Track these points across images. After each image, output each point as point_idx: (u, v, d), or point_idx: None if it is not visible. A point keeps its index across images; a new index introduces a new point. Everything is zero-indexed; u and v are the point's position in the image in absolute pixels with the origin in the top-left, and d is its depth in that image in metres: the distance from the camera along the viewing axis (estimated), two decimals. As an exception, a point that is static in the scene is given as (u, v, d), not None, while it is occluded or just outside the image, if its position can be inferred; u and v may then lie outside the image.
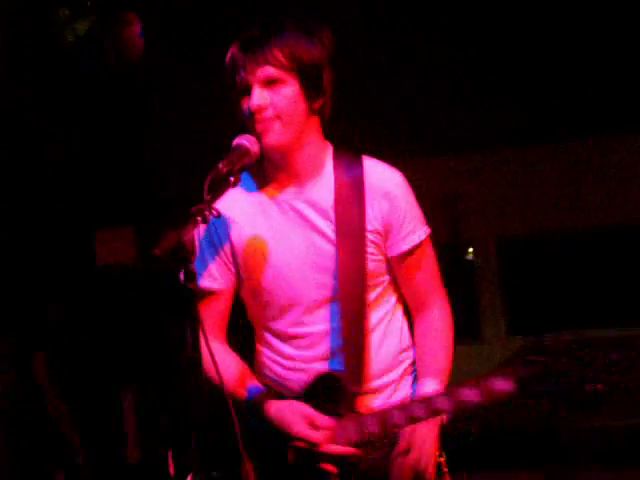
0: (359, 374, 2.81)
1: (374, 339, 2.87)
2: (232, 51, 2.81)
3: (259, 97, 2.74)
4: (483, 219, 6.90)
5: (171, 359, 5.11)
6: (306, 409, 2.77)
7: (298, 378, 2.86)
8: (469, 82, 5.97)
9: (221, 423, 2.64)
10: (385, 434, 2.73)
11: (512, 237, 7.01)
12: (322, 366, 2.84)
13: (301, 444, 2.76)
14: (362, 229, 2.82)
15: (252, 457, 2.75)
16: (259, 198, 2.89)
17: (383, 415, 2.72)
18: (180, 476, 2.70)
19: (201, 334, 2.40)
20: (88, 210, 5.52)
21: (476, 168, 6.66)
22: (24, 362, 5.16)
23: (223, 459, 2.78)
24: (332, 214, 2.83)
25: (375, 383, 2.86)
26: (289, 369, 2.89)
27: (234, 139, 2.76)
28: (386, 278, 2.90)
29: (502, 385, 2.56)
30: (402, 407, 2.71)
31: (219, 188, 2.65)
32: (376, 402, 2.85)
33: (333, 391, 2.80)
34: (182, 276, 2.42)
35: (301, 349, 2.87)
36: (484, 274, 7.11)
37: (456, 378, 2.81)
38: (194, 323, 2.40)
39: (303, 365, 2.86)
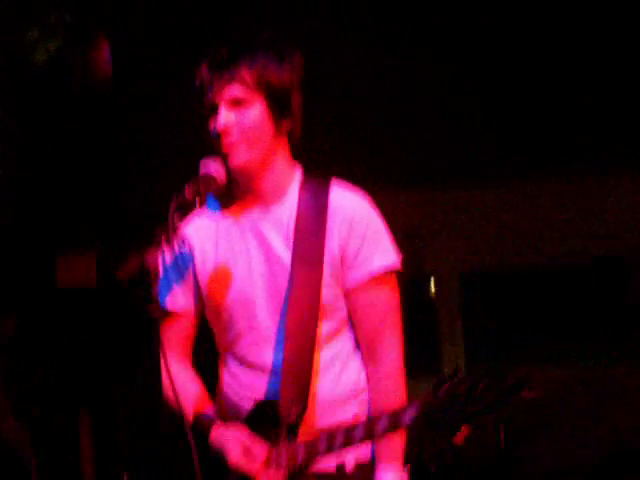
0: (300, 407, 2.76)
1: (328, 376, 2.83)
2: (201, 70, 2.80)
3: (225, 117, 2.72)
4: (446, 254, 6.90)
5: (130, 380, 5.07)
6: (243, 437, 2.74)
7: (249, 406, 2.83)
8: (436, 115, 5.98)
9: (178, 446, 2.62)
10: (310, 463, 2.70)
11: (475, 273, 7.02)
12: (263, 396, 2.81)
13: (237, 472, 2.73)
14: (320, 256, 2.76)
15: None
16: (224, 220, 2.87)
17: (308, 444, 2.70)
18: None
19: (161, 356, 2.38)
20: (51, 232, 5.47)
21: (440, 202, 6.66)
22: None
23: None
24: (289, 238, 2.80)
25: (324, 419, 2.81)
26: (243, 396, 2.86)
27: (201, 161, 2.74)
28: (343, 311, 2.84)
29: (406, 417, 2.54)
30: (327, 437, 2.67)
31: (184, 212, 2.64)
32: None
33: (270, 420, 2.77)
34: (144, 299, 2.41)
35: (256, 377, 2.84)
36: (446, 309, 7.10)
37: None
38: (155, 345, 2.39)
39: (257, 391, 2.83)
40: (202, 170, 2.73)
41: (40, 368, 5.38)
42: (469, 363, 6.94)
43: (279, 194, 2.83)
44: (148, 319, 2.43)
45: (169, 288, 2.88)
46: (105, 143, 5.46)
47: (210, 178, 2.71)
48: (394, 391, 2.81)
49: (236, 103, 2.73)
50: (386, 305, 2.83)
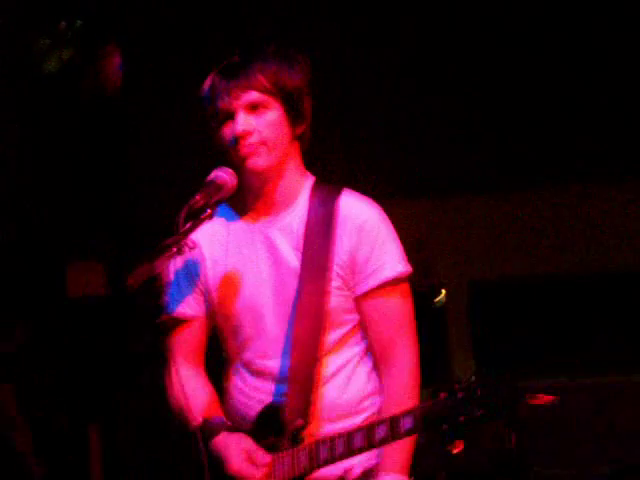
0: (306, 413, 2.76)
1: (336, 383, 2.83)
2: (212, 79, 2.81)
3: (244, 122, 2.74)
4: (455, 263, 6.90)
5: (138, 388, 5.08)
6: (246, 444, 2.74)
7: (252, 412, 2.83)
8: (445, 125, 5.99)
9: (186, 451, 2.63)
10: (313, 468, 2.69)
11: (484, 282, 7.01)
12: (274, 400, 2.82)
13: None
14: (328, 263, 2.77)
15: None
16: (234, 226, 2.88)
17: (310, 450, 2.69)
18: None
19: (168, 363, 2.39)
20: (61, 241, 5.48)
21: (449, 211, 6.66)
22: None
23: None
24: (298, 246, 2.81)
25: (330, 427, 2.80)
26: (254, 401, 2.86)
27: (211, 172, 2.76)
28: (353, 318, 2.84)
29: (405, 422, 2.53)
30: (326, 443, 2.66)
31: (194, 220, 2.65)
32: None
33: (275, 424, 2.77)
34: (154, 306, 2.42)
35: (265, 382, 2.85)
36: (455, 318, 7.10)
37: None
38: (165, 353, 2.40)
39: (265, 397, 2.84)
40: (211, 177, 2.74)
41: (51, 376, 5.38)
42: (478, 371, 6.93)
43: (289, 201, 2.85)
44: (157, 326, 2.44)
45: (180, 294, 2.89)
46: (114, 152, 5.48)
47: (220, 184, 2.73)
48: (405, 399, 2.79)
49: (254, 108, 2.75)
50: (397, 311, 2.83)
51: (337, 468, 2.75)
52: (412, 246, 2.97)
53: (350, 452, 2.63)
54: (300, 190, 2.86)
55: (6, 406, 5.14)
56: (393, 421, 2.55)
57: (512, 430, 2.45)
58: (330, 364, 2.82)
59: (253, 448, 2.73)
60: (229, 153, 2.79)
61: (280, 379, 2.82)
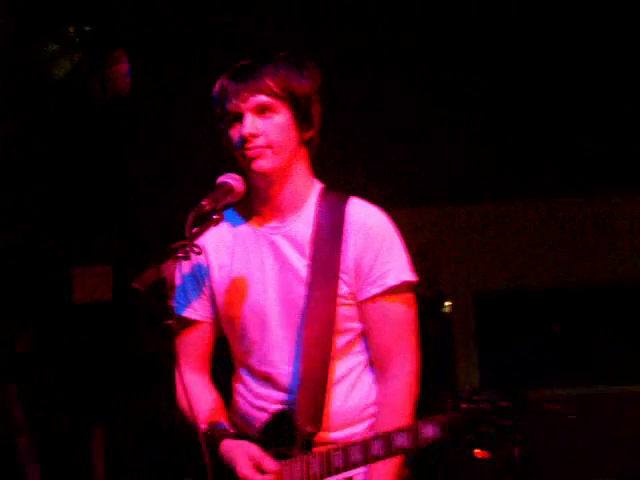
0: (317, 420, 2.75)
1: (340, 390, 2.82)
2: (222, 81, 2.82)
3: (251, 125, 2.75)
4: (460, 272, 6.89)
5: (146, 395, 5.08)
6: (254, 450, 2.73)
7: (262, 417, 2.83)
8: (450, 134, 5.99)
9: (192, 457, 2.62)
10: (324, 476, 2.67)
11: (490, 292, 7.01)
12: (277, 408, 2.80)
13: None
14: (336, 269, 2.77)
15: None
16: (240, 231, 2.89)
17: (323, 457, 2.67)
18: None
19: (175, 366, 2.39)
20: (67, 246, 5.49)
21: (454, 220, 6.66)
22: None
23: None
24: (308, 251, 2.81)
25: (336, 435, 2.80)
26: (256, 408, 2.86)
27: (218, 177, 2.76)
28: (357, 326, 2.83)
29: (429, 431, 2.51)
30: (342, 450, 2.63)
31: (201, 225, 2.66)
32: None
33: (286, 431, 2.76)
34: (160, 310, 2.42)
35: (269, 388, 2.84)
36: (461, 327, 7.09)
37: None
38: (171, 357, 2.40)
39: (268, 405, 2.83)
40: (219, 181, 2.75)
41: (55, 379, 5.39)
42: (483, 381, 6.93)
43: (296, 206, 2.85)
44: (163, 329, 2.44)
45: (186, 298, 2.90)
46: (121, 157, 5.49)
47: (228, 186, 2.74)
48: (398, 409, 2.78)
49: (262, 111, 2.76)
50: (398, 320, 2.81)
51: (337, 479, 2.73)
52: (417, 255, 2.97)
53: (366, 460, 2.61)
54: (307, 196, 2.86)
55: (11, 407, 5.14)
56: (414, 429, 2.54)
57: (526, 440, 2.44)
58: (336, 369, 2.81)
59: (260, 455, 2.72)
60: (236, 155, 2.80)
61: (285, 385, 2.81)
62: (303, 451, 2.72)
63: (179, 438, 2.79)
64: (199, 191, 2.73)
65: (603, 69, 5.78)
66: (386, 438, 2.57)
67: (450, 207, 6.60)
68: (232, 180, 2.75)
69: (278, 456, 2.73)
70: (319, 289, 2.77)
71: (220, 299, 2.88)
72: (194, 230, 2.63)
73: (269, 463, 2.70)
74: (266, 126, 2.76)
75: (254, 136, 2.75)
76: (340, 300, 2.78)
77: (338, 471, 2.65)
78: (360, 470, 2.74)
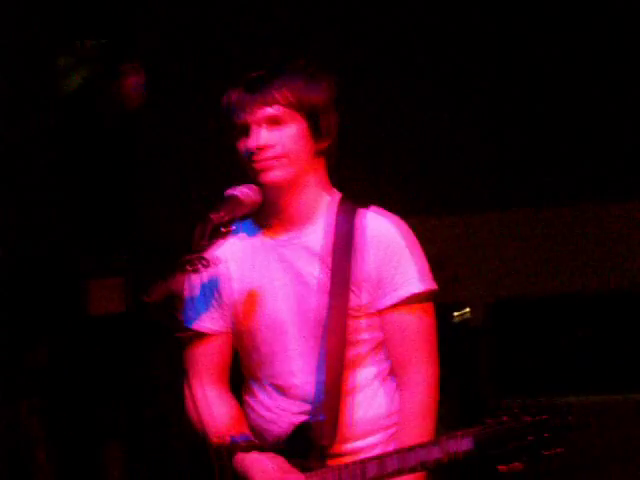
0: (335, 431, 2.74)
1: (362, 398, 2.81)
2: (233, 92, 2.81)
3: (264, 136, 2.74)
4: (479, 281, 6.87)
5: (160, 409, 5.07)
6: (278, 463, 2.71)
7: (273, 429, 2.82)
8: (464, 143, 5.98)
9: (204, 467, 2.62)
10: None
11: (509, 299, 6.98)
12: (297, 419, 2.79)
13: None
14: (347, 280, 2.75)
15: None
16: (253, 242, 2.89)
17: (341, 471, 2.65)
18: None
19: (186, 380, 2.39)
20: (81, 259, 5.50)
21: (472, 229, 6.64)
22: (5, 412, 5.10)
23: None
24: (323, 262, 2.80)
25: (357, 444, 2.79)
26: (268, 420, 2.85)
27: (227, 189, 2.76)
28: (372, 336, 2.83)
29: (461, 444, 2.50)
30: (360, 464, 2.63)
31: (211, 238, 2.65)
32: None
33: (304, 444, 2.74)
34: (172, 323, 2.41)
35: (286, 400, 2.83)
36: (479, 336, 7.07)
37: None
38: (183, 370, 2.40)
39: (281, 417, 2.82)
40: (234, 193, 2.74)
41: (72, 393, 5.39)
42: (502, 391, 6.91)
43: (308, 217, 2.84)
44: (177, 341, 2.45)
45: (205, 309, 2.90)
46: (135, 169, 5.49)
47: (241, 200, 2.73)
48: (415, 420, 2.78)
49: (275, 122, 2.75)
50: (416, 329, 2.80)
51: None
52: (435, 264, 2.96)
53: (401, 471, 2.59)
54: (321, 206, 2.85)
55: (28, 422, 5.15)
56: (402, 454, 2.55)
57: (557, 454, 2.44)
58: (356, 379, 2.81)
59: (286, 467, 2.71)
60: (245, 168, 2.79)
61: (305, 396, 2.80)
62: (323, 465, 2.71)
63: (194, 452, 2.78)
64: (214, 201, 2.72)
65: (594, 78, 5.78)
66: (378, 459, 2.58)
67: (468, 216, 6.58)
68: (241, 192, 2.74)
69: (302, 469, 2.72)
70: (339, 299, 2.76)
71: (233, 310, 2.88)
72: (207, 241, 2.62)
73: (295, 476, 2.69)
74: (280, 136, 2.75)
75: (261, 148, 2.74)
76: (350, 312, 2.77)
77: None
78: None
